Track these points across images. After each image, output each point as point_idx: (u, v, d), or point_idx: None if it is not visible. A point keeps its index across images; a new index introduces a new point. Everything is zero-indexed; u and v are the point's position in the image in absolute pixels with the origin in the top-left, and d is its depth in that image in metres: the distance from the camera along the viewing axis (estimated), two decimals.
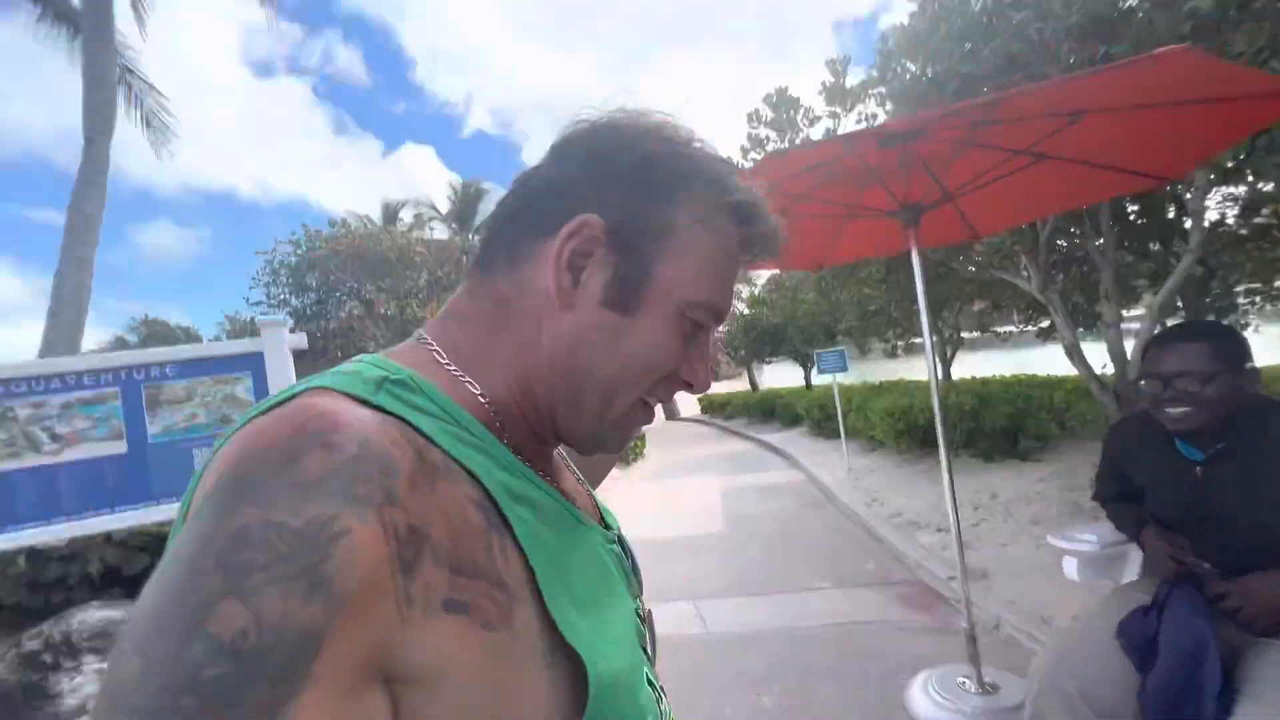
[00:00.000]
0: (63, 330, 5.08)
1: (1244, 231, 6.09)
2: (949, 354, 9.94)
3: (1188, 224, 4.31)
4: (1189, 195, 4.04)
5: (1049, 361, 8.12)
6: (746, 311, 16.53)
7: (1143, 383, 1.33)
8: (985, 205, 2.95)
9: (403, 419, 0.37)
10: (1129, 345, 4.63)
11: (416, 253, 16.07)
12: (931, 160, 2.52)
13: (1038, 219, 3.79)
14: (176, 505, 0.55)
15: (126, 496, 2.55)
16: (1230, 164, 3.65)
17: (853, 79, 4.93)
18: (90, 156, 5.40)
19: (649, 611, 0.55)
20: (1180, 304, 6.54)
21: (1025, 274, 4.97)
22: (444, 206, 29.58)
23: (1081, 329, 5.66)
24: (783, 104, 5.02)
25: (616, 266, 0.43)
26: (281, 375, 2.55)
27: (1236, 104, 1.89)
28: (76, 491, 2.50)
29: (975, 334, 10.72)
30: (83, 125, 5.46)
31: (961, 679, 2.35)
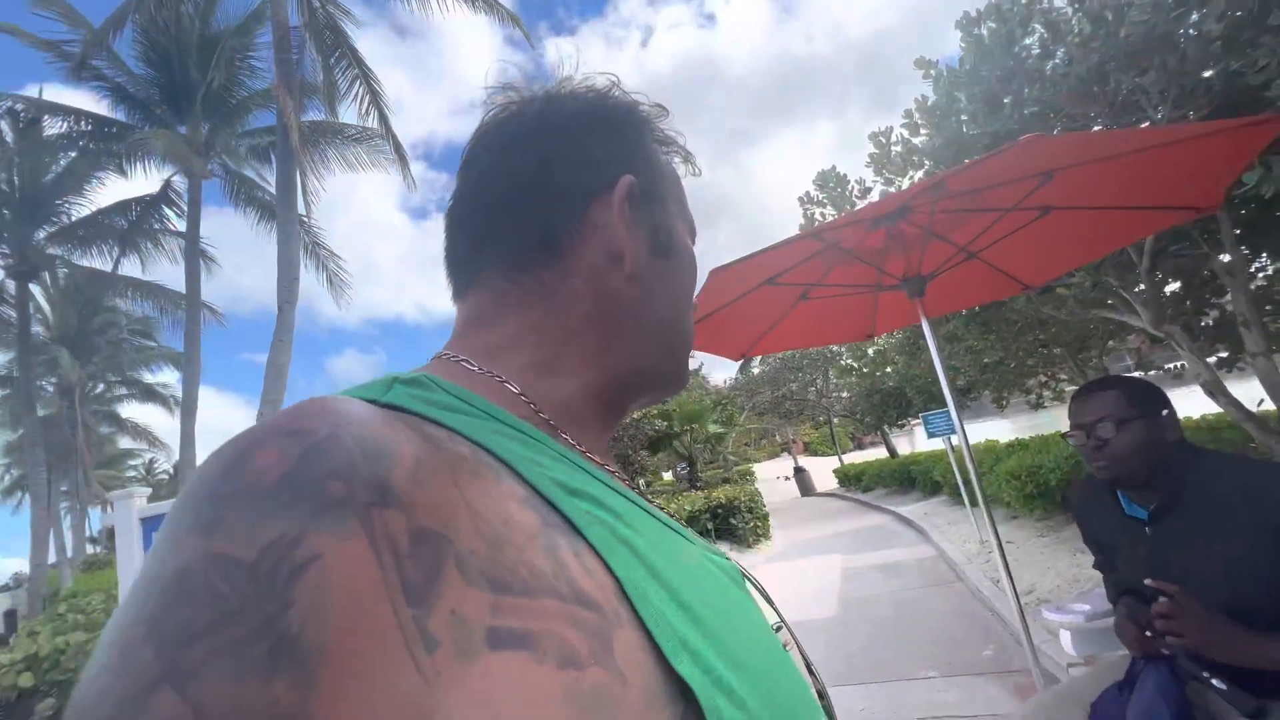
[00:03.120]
0: None
1: None
2: None
3: None
4: None
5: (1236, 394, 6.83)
6: (863, 372, 15.79)
7: (1070, 437, 1.35)
8: (1022, 256, 2.91)
9: (417, 413, 0.30)
10: None
11: None
12: (939, 226, 2.61)
13: (1095, 259, 3.53)
14: None
15: None
16: None
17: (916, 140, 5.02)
18: (281, 321, 7.11)
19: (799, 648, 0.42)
20: None
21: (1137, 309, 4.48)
22: None
23: (1240, 360, 4.87)
24: (831, 182, 5.20)
25: (651, 216, 0.44)
26: None
27: (1205, 141, 1.85)
28: None
29: (1137, 374, 9.32)
30: (277, 297, 7.22)
31: None
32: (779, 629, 0.40)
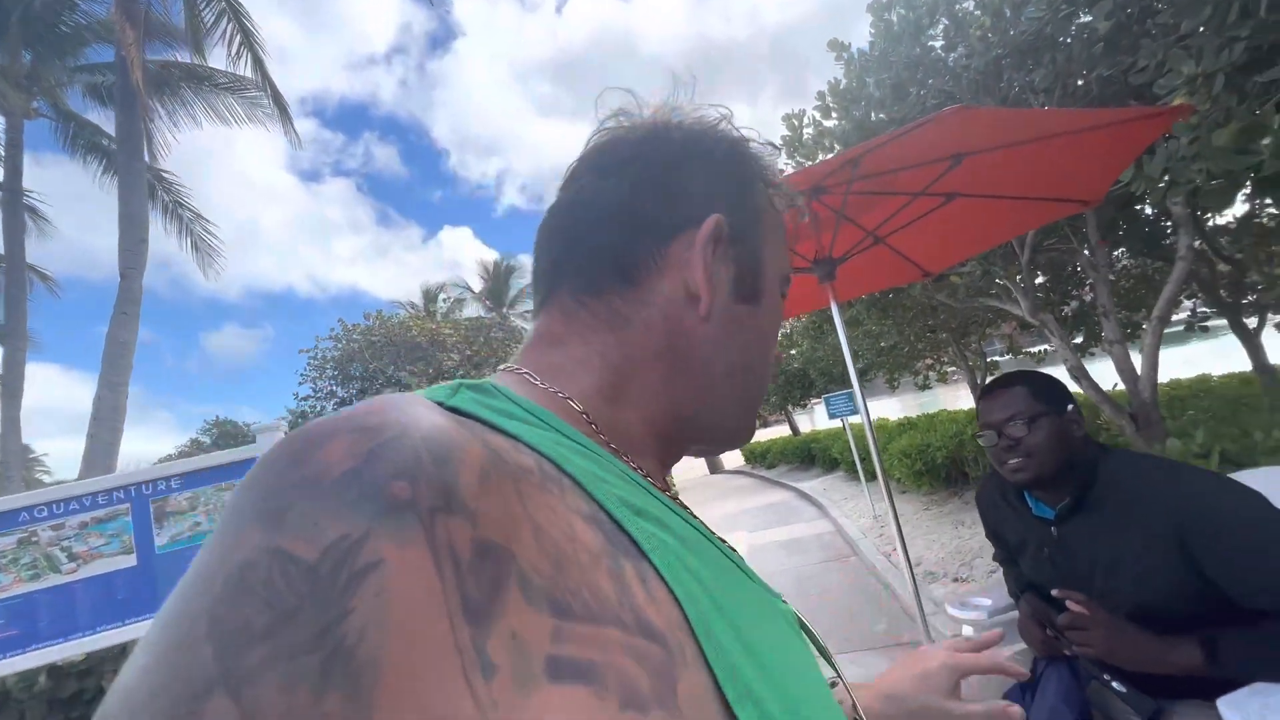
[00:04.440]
0: (100, 447, 5.55)
1: (1273, 225, 5.74)
2: (980, 381, 9.50)
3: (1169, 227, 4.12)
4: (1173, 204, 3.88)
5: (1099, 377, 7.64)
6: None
7: (980, 437, 1.28)
8: (925, 243, 2.94)
9: (482, 419, 0.29)
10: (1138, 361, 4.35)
11: (445, 335, 16.92)
12: (851, 209, 2.54)
13: (988, 248, 3.70)
14: None
15: (136, 608, 2.70)
16: None
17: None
18: (124, 291, 6.06)
19: (853, 704, 0.44)
20: (1210, 308, 6.13)
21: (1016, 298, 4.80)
22: (477, 285, 31.05)
23: (1094, 347, 5.37)
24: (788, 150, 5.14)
25: (739, 259, 0.43)
26: None
27: (1103, 133, 1.87)
28: (90, 607, 2.66)
29: (1006, 357, 10.25)
30: (118, 263, 6.16)
31: None
32: (834, 685, 0.40)
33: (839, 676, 0.43)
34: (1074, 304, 6.40)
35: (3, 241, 8.91)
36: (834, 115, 4.26)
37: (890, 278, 3.45)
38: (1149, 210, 4.34)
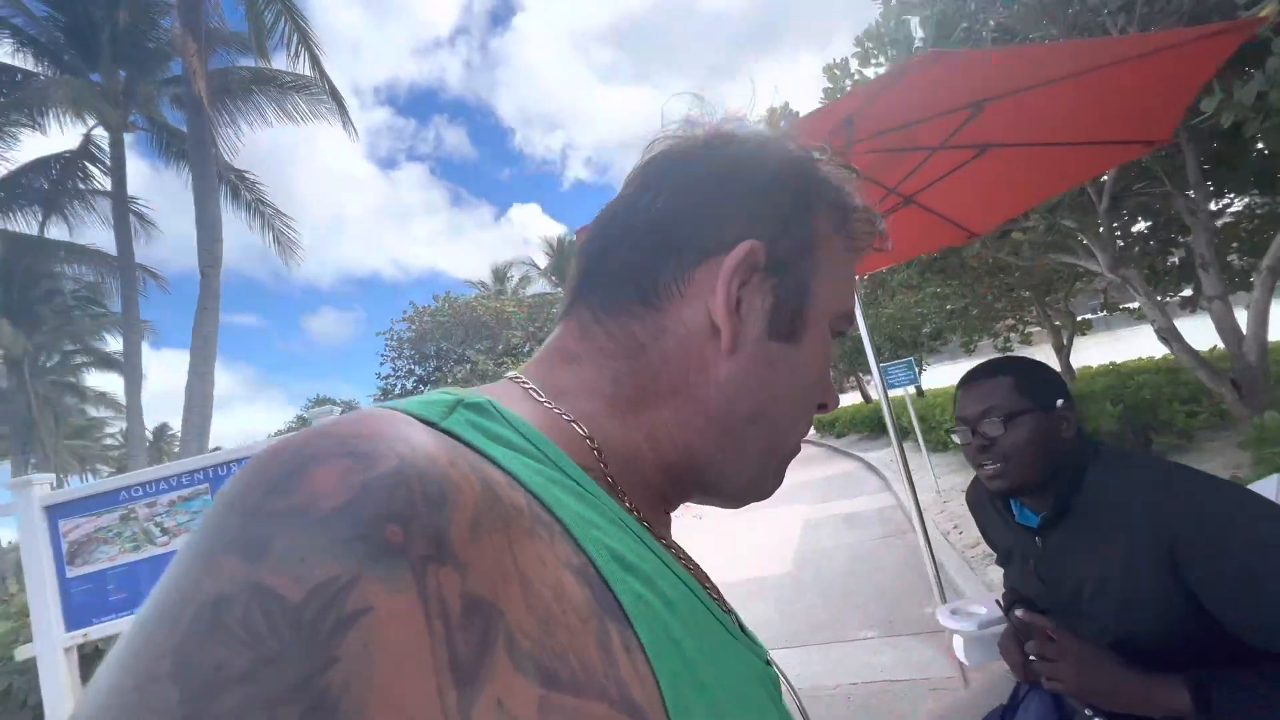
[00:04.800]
0: (193, 430, 6.18)
1: None
2: (1066, 341, 8.68)
3: None
4: None
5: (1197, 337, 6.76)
6: None
7: (954, 433, 1.13)
8: (963, 201, 2.66)
9: (476, 448, 0.27)
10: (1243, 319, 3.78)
11: (510, 312, 17.35)
12: (865, 166, 2.32)
13: (1039, 202, 3.28)
14: None
15: None
16: None
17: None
18: (205, 288, 6.62)
19: None
20: None
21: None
22: (543, 261, 31.63)
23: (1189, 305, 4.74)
24: (780, 118, 4.84)
25: (777, 291, 0.38)
26: None
27: (1154, 60, 1.56)
28: None
29: (1102, 314, 9.28)
30: (198, 261, 6.72)
31: None
32: None
33: None
34: (1179, 253, 5.64)
35: (116, 245, 9.95)
36: (873, 61, 3.89)
37: (931, 240, 3.15)
38: (1260, 145, 3.71)
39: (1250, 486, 1.29)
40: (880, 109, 1.74)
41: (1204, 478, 0.89)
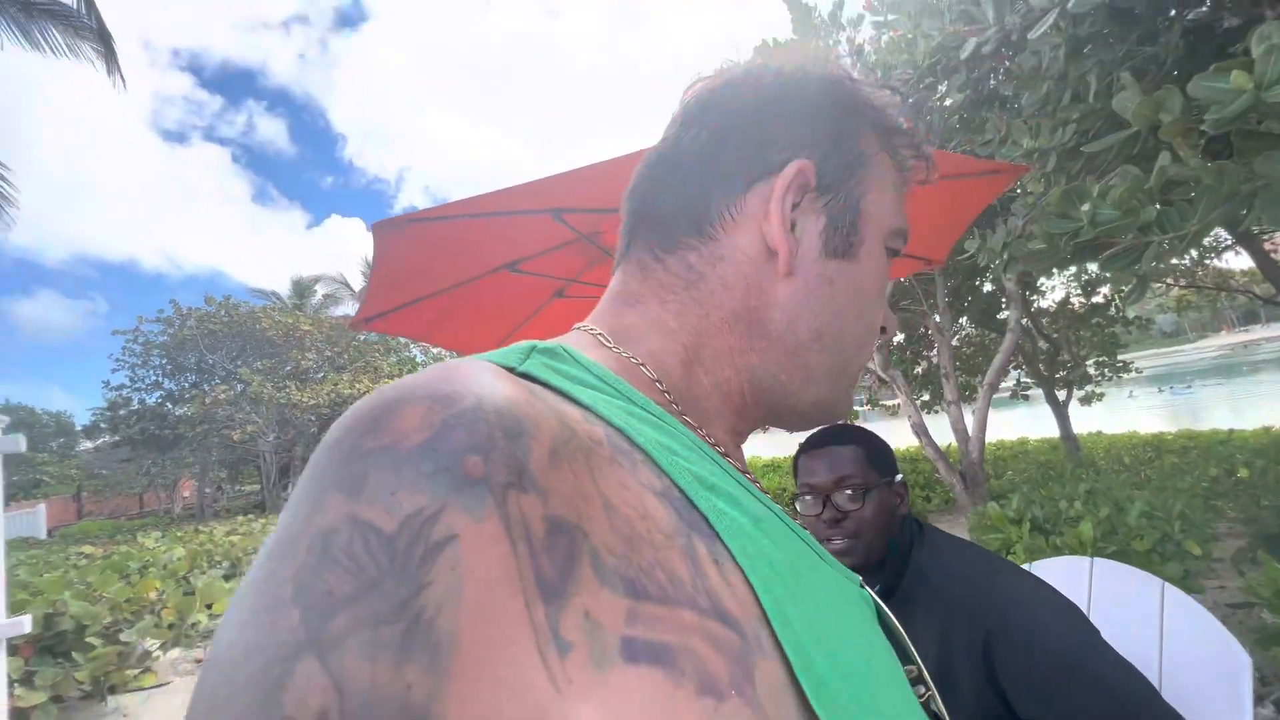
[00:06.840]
0: None
1: (1083, 311, 6.50)
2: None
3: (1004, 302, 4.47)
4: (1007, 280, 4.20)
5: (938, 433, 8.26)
6: None
7: (798, 501, 1.06)
8: None
9: (554, 387, 0.28)
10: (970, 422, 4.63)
11: (304, 332, 14.96)
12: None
13: None
14: None
15: None
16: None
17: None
18: None
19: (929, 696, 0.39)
20: (1031, 379, 6.85)
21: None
22: (358, 283, 28.67)
23: (938, 405, 5.73)
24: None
25: (829, 210, 0.38)
26: None
27: (946, 187, 1.81)
28: None
29: (865, 408, 10.99)
30: None
31: None
32: (916, 680, 0.38)
33: (919, 667, 0.39)
34: (923, 364, 6.90)
35: None
36: None
37: None
38: (989, 286, 4.70)
39: (1030, 566, 1.40)
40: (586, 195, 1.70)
41: (1024, 577, 0.90)
